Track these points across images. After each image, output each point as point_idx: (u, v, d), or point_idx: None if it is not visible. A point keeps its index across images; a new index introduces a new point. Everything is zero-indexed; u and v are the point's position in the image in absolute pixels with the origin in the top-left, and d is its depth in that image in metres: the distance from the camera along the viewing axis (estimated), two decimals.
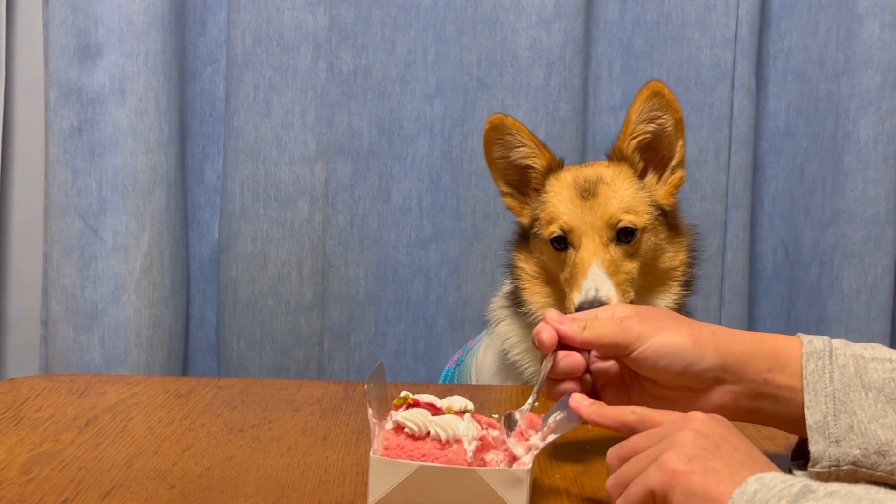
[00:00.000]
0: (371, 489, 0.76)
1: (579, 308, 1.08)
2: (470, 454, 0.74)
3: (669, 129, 1.20)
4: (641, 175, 1.22)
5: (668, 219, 1.20)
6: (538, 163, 1.23)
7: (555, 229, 1.16)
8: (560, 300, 1.18)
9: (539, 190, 1.23)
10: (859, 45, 1.66)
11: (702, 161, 1.68)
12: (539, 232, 1.20)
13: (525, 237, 1.25)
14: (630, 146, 1.21)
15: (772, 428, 0.86)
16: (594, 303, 1.07)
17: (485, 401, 1.11)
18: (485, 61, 1.65)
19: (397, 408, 0.79)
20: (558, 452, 0.93)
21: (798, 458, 0.85)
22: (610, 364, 0.86)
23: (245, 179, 1.66)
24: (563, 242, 1.16)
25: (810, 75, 1.72)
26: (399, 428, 0.76)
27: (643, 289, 1.17)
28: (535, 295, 1.21)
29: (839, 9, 1.68)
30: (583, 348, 0.85)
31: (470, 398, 0.81)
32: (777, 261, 1.79)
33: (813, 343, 0.82)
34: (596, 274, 1.11)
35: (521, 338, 1.24)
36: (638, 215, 1.16)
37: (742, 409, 0.83)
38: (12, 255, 1.77)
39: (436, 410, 0.78)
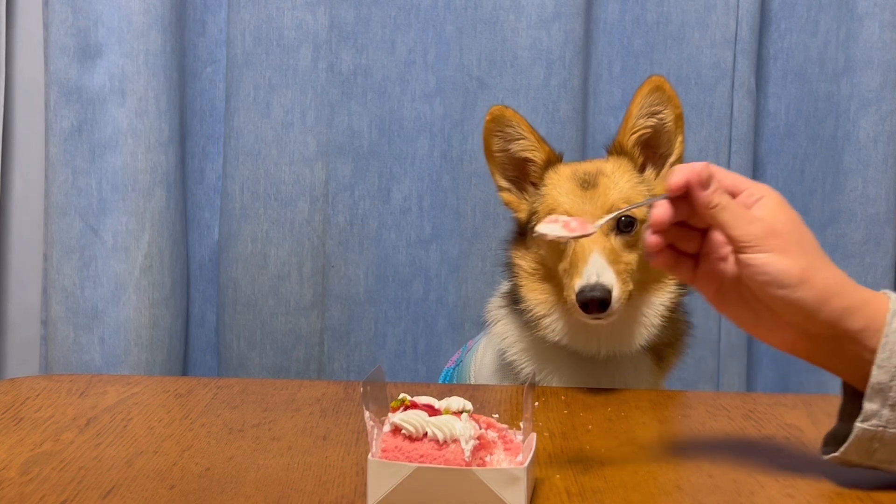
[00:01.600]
0: (370, 491, 0.76)
1: (580, 293, 1.07)
2: (467, 454, 0.75)
3: (669, 124, 1.20)
4: (641, 170, 1.22)
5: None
6: (537, 156, 1.23)
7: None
8: (558, 296, 1.18)
9: (537, 184, 1.23)
10: (859, 45, 1.66)
11: (702, 161, 1.68)
12: (540, 222, 1.19)
13: (522, 234, 1.24)
14: (630, 140, 1.21)
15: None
16: (596, 287, 1.07)
17: (484, 401, 1.11)
18: (485, 61, 1.65)
19: (395, 410, 0.79)
20: (558, 452, 0.93)
21: (830, 445, 0.85)
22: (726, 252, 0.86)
23: (245, 179, 1.66)
24: None
25: (810, 75, 1.72)
26: (396, 430, 0.76)
27: (639, 284, 1.16)
28: (533, 292, 1.21)
29: (839, 9, 1.68)
30: (701, 219, 0.84)
31: (469, 398, 0.81)
32: None
33: None
34: (597, 261, 1.10)
35: (518, 337, 1.23)
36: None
37: (817, 355, 0.84)
38: (12, 255, 1.78)
39: (433, 411, 0.78)
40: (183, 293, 1.70)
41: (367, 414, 0.77)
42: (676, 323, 1.22)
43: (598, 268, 1.09)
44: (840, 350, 0.83)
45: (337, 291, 1.69)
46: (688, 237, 0.88)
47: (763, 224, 0.82)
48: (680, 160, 1.21)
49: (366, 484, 0.77)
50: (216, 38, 1.71)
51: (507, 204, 1.27)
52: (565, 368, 1.21)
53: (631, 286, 1.13)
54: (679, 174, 0.85)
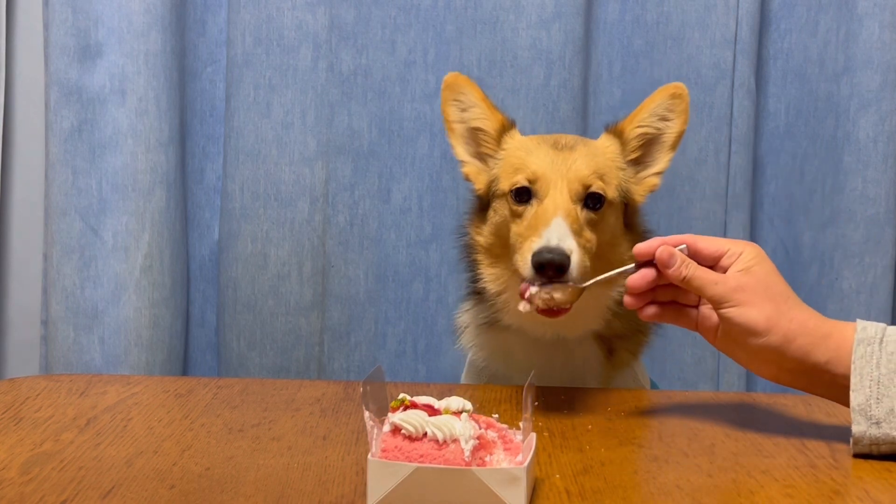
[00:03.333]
0: (370, 491, 0.76)
1: (537, 254, 1.00)
2: (467, 454, 0.75)
3: (671, 135, 1.18)
4: (626, 162, 1.19)
5: (629, 215, 1.18)
6: (488, 125, 1.20)
7: (519, 179, 1.11)
8: (514, 272, 1.11)
9: (491, 155, 1.20)
10: (859, 45, 1.66)
11: (701, 161, 1.68)
12: (498, 189, 1.15)
13: (481, 209, 1.20)
14: (634, 131, 1.19)
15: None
16: (555, 251, 1.00)
17: (484, 401, 1.11)
18: (485, 61, 1.65)
19: (395, 410, 0.79)
20: (558, 452, 0.93)
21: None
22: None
23: (245, 179, 1.66)
24: (525, 194, 1.10)
25: (810, 75, 1.72)
26: (396, 430, 0.76)
27: (594, 271, 1.09)
28: (489, 267, 1.16)
29: (839, 9, 1.68)
30: (673, 281, 0.97)
31: (469, 398, 0.81)
32: (777, 261, 1.76)
33: (867, 330, 0.92)
34: (560, 225, 1.04)
35: (475, 330, 1.22)
36: (609, 186, 1.12)
37: (801, 385, 0.96)
38: (12, 255, 1.78)
39: (433, 411, 0.78)
40: (183, 293, 1.70)
41: (367, 414, 0.77)
42: (630, 317, 1.19)
43: (560, 231, 1.03)
44: (816, 379, 0.94)
45: (337, 291, 1.69)
46: (687, 293, 1.00)
47: (726, 284, 0.95)
48: (660, 172, 1.20)
49: (366, 484, 0.77)
50: (216, 38, 1.71)
51: (466, 177, 1.22)
52: (516, 354, 1.20)
53: (588, 265, 1.07)
54: (643, 249, 0.99)
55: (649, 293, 1.00)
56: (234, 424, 1.01)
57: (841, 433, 1.00)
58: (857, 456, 0.92)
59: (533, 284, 1.02)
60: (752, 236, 1.75)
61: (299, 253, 1.67)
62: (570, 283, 1.02)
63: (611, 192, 1.12)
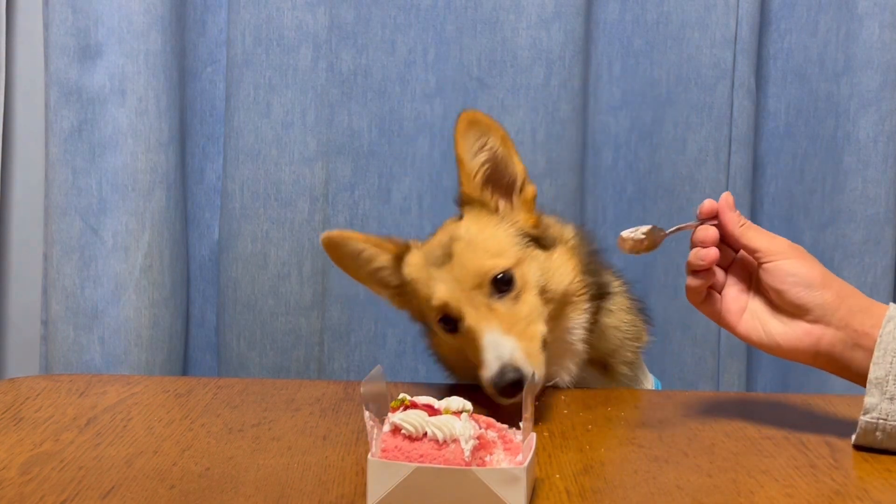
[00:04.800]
0: (370, 492, 0.76)
1: (494, 385, 0.99)
2: (467, 454, 0.75)
3: (500, 149, 1.12)
4: (496, 210, 1.13)
5: (539, 241, 1.12)
6: (383, 259, 1.17)
7: (436, 314, 1.09)
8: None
9: (400, 285, 1.16)
10: (859, 45, 1.66)
11: (701, 161, 1.68)
12: (428, 319, 1.13)
13: (430, 329, 1.18)
14: (475, 186, 1.12)
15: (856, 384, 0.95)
16: (504, 371, 0.98)
17: (484, 401, 1.11)
18: (485, 61, 1.65)
19: (395, 410, 0.79)
20: (558, 452, 0.93)
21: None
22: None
23: (245, 179, 1.66)
24: (450, 322, 1.07)
25: (810, 75, 1.72)
26: (396, 430, 0.76)
27: (552, 319, 1.09)
28: (462, 369, 1.16)
29: (839, 9, 1.68)
30: (730, 241, 0.99)
31: (469, 398, 0.81)
32: None
33: None
34: (490, 341, 1.01)
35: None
36: (504, 256, 1.07)
37: (835, 357, 0.95)
38: (12, 255, 1.78)
39: (433, 411, 0.78)
40: (183, 293, 1.70)
41: (367, 414, 0.77)
42: (609, 332, 1.18)
43: (497, 349, 1.00)
44: (856, 348, 0.94)
45: (337, 291, 1.69)
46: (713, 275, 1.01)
47: (784, 241, 0.98)
48: (526, 177, 1.14)
49: (366, 484, 0.77)
50: (216, 38, 1.71)
51: (401, 309, 1.20)
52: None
53: (544, 332, 1.05)
54: (708, 201, 1.01)
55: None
56: (234, 424, 1.01)
57: (841, 433, 1.00)
58: (857, 447, 0.92)
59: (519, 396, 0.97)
60: None
61: (299, 253, 1.67)
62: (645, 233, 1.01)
63: (509, 260, 1.06)
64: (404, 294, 1.17)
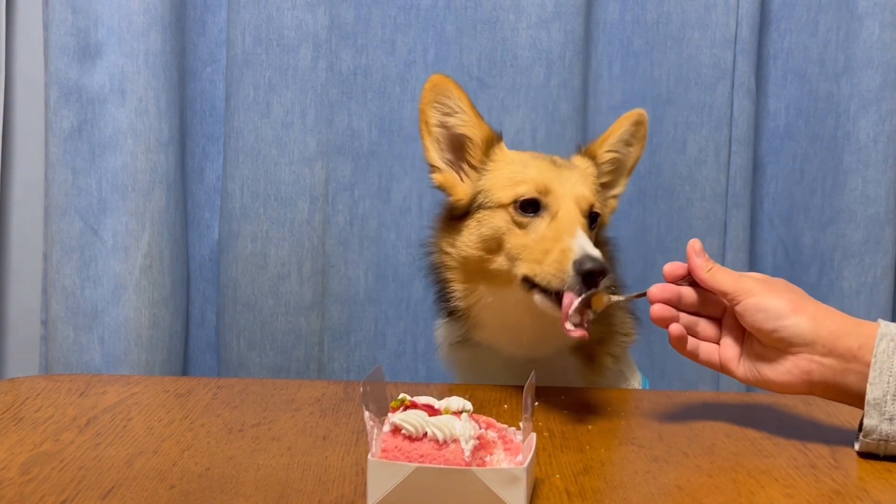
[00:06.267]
0: (370, 492, 0.76)
1: (580, 263, 0.99)
2: (467, 454, 0.75)
3: (631, 160, 1.22)
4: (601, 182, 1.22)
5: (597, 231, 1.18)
6: (477, 133, 1.16)
7: (525, 190, 1.08)
8: (487, 288, 1.11)
9: (476, 165, 1.16)
10: (859, 45, 1.66)
11: (701, 161, 1.68)
12: (489, 200, 1.12)
13: (453, 219, 1.17)
14: (605, 156, 1.21)
15: (854, 407, 0.94)
16: (596, 260, 0.99)
17: (484, 401, 1.11)
18: (485, 61, 1.65)
19: (395, 410, 0.79)
20: (558, 452, 0.93)
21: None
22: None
23: (245, 179, 1.66)
24: (533, 206, 1.09)
25: (810, 75, 1.72)
26: (396, 430, 0.76)
27: None
28: (462, 283, 1.15)
29: (839, 9, 1.68)
30: (700, 285, 0.99)
31: (469, 398, 0.81)
32: (777, 261, 1.79)
33: (890, 326, 0.91)
34: (581, 235, 1.03)
35: (459, 359, 1.22)
36: (600, 206, 1.14)
37: (829, 384, 0.93)
38: (12, 255, 1.78)
39: (433, 411, 0.78)
40: (183, 293, 1.70)
41: (367, 414, 0.77)
42: (606, 320, 1.19)
43: (587, 242, 1.03)
44: (848, 372, 0.91)
45: (337, 291, 1.69)
46: (707, 328, 1.02)
47: (751, 278, 0.96)
48: (623, 190, 1.24)
49: (366, 484, 0.77)
50: (216, 38, 1.71)
51: (440, 186, 1.18)
52: (491, 370, 1.19)
53: None
54: (669, 265, 1.02)
55: (674, 307, 1.01)
56: (234, 424, 1.01)
57: (841, 433, 1.00)
58: (860, 454, 0.92)
59: (570, 293, 1.00)
60: (752, 236, 1.75)
61: (299, 253, 1.67)
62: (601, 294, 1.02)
63: (603, 213, 1.14)
64: (465, 171, 1.17)
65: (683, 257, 1.02)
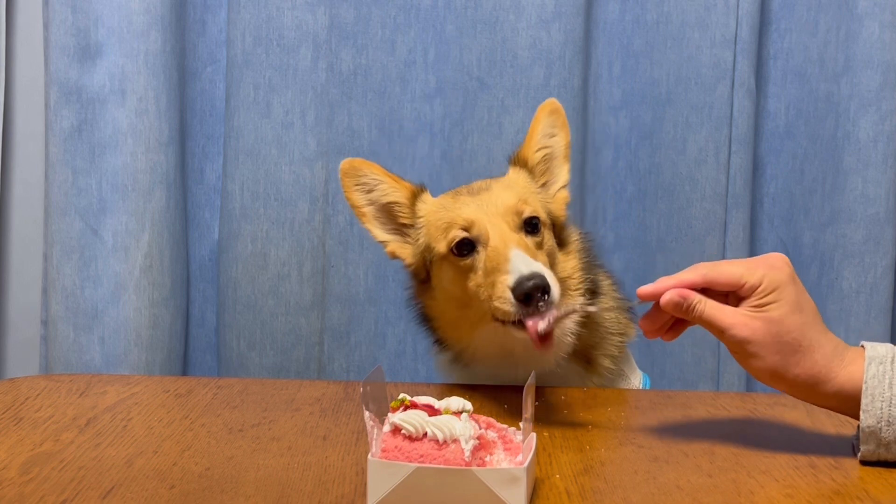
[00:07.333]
0: (370, 491, 0.76)
1: (517, 287, 0.98)
2: (467, 454, 0.75)
3: (561, 148, 1.21)
4: (538, 185, 1.21)
5: (558, 233, 1.18)
6: (400, 196, 1.18)
7: (455, 233, 1.09)
8: (473, 324, 1.12)
9: (410, 225, 1.18)
10: (859, 45, 1.66)
11: (701, 161, 1.68)
12: (433, 254, 1.14)
13: (422, 281, 1.19)
14: (535, 156, 1.20)
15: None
16: (533, 277, 0.98)
17: (484, 401, 1.11)
18: (485, 61, 1.65)
19: (395, 410, 0.79)
20: (558, 452, 0.93)
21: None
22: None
23: (245, 179, 1.66)
24: (467, 246, 1.09)
25: (810, 75, 1.72)
26: (396, 430, 0.76)
27: None
28: (450, 331, 1.17)
29: (839, 9, 1.68)
30: (685, 317, 0.95)
31: (469, 398, 0.81)
32: None
33: (876, 349, 0.90)
34: (519, 255, 1.02)
35: (459, 377, 1.23)
36: (536, 209, 1.12)
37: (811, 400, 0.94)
38: (12, 255, 1.78)
39: (433, 411, 0.78)
40: (183, 293, 1.70)
41: (367, 414, 0.77)
42: (596, 324, 1.19)
43: (523, 260, 1.02)
44: (828, 402, 0.92)
45: (337, 291, 1.69)
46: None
47: (735, 333, 0.91)
48: (567, 184, 1.21)
49: (366, 484, 0.77)
50: (216, 38, 1.71)
51: (394, 257, 1.21)
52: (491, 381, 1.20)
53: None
54: (648, 291, 0.96)
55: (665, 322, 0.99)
56: (234, 424, 1.01)
57: (841, 433, 1.00)
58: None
59: (530, 319, 0.99)
60: (752, 236, 1.75)
61: (299, 253, 1.67)
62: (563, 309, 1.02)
63: (541, 213, 1.12)
64: (408, 234, 1.19)
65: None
